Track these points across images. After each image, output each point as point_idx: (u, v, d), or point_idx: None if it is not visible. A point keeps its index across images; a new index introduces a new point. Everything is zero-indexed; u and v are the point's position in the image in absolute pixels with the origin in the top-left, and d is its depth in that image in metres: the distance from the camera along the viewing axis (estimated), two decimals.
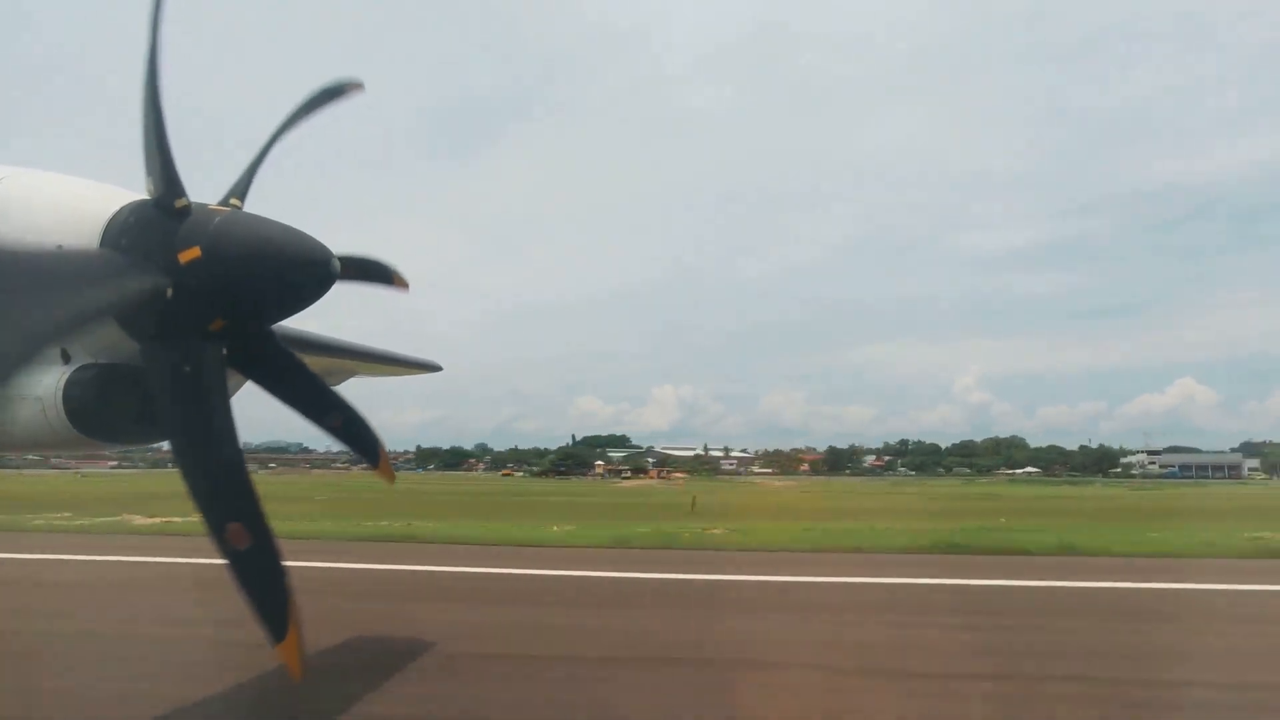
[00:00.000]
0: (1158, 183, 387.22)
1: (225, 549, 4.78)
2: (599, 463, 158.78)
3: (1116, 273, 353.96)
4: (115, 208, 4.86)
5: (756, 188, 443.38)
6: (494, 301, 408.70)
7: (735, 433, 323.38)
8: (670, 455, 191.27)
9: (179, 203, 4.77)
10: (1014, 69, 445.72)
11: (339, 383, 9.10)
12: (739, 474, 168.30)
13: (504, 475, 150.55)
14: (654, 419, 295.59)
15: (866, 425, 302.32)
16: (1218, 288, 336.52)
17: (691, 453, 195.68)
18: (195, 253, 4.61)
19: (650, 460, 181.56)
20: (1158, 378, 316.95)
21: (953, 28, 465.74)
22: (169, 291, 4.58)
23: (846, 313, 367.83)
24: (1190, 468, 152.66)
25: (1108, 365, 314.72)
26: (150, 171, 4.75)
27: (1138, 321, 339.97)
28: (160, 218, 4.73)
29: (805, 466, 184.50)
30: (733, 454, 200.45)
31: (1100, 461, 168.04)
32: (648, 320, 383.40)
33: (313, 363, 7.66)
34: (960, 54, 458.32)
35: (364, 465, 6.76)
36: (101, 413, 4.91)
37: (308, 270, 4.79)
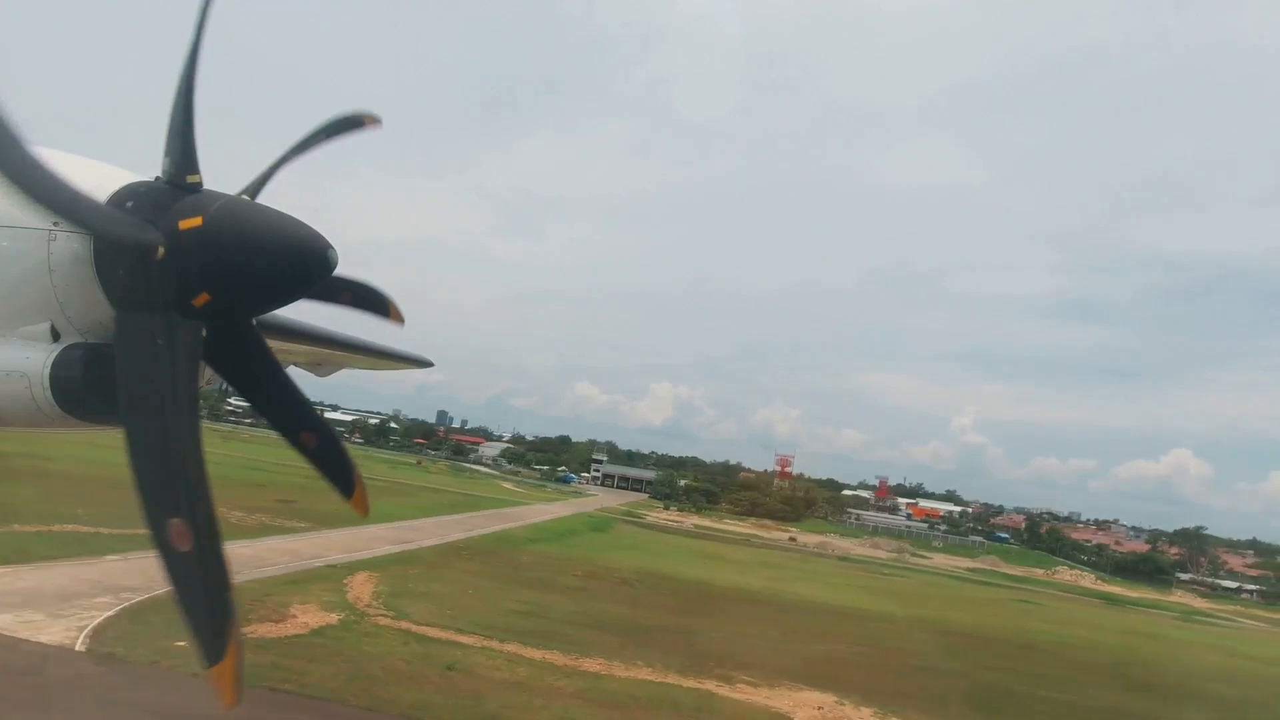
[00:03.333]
0: (1180, 251, 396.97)
1: (303, 450, 5.78)
2: None
3: (1129, 336, 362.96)
4: (116, 186, 4.83)
5: (779, 202, 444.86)
6: (508, 276, 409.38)
7: (726, 439, 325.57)
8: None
9: (191, 178, 4.84)
10: (1048, 118, 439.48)
11: (327, 374, 9.04)
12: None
13: None
14: (649, 414, 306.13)
15: (857, 450, 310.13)
16: (1228, 365, 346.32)
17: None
18: (196, 221, 4.59)
19: None
20: (1153, 445, 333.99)
21: (991, 69, 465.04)
22: (160, 250, 4.50)
23: (854, 338, 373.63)
24: (626, 479, 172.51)
25: (1106, 426, 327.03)
26: (169, 152, 4.81)
27: (1143, 387, 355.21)
28: (168, 191, 4.78)
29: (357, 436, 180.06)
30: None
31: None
32: (657, 317, 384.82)
33: (301, 352, 7.53)
34: (996, 96, 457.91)
35: (337, 493, 6.21)
36: (88, 394, 4.77)
37: (304, 256, 4.73)
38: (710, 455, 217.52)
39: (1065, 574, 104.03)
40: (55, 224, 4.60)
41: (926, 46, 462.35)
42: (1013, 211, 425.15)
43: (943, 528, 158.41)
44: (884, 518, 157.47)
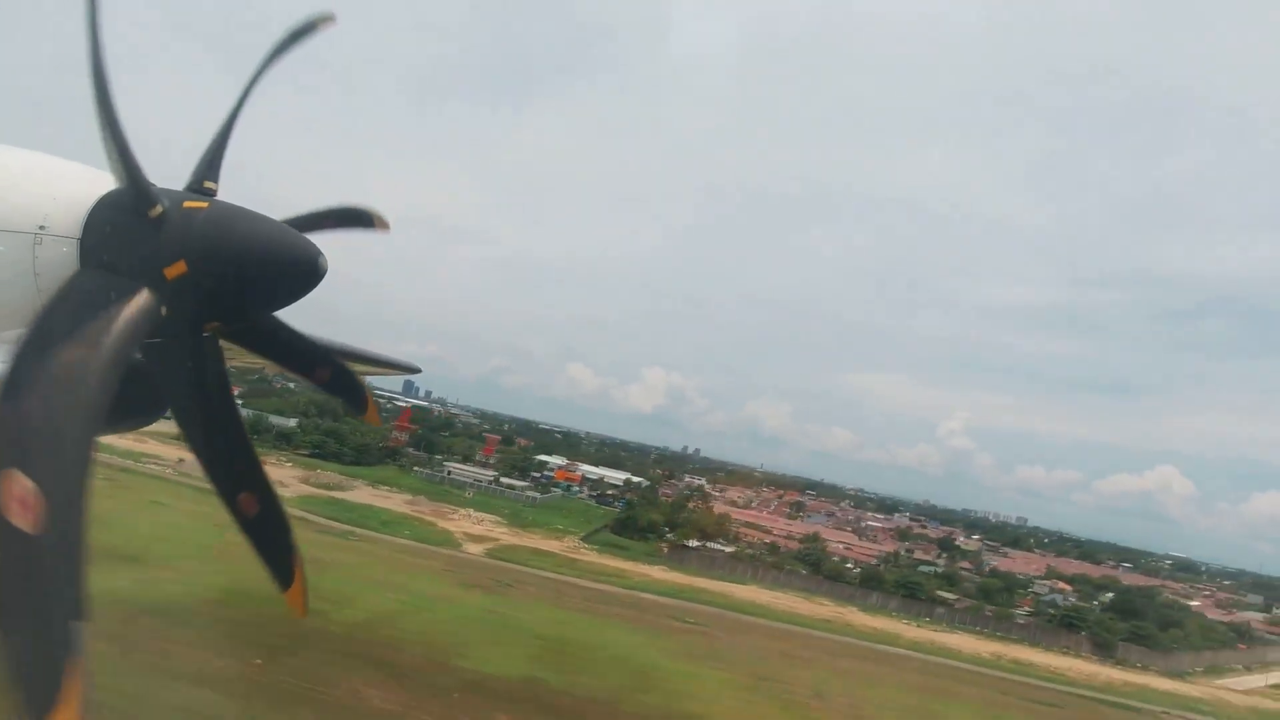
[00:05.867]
0: (1174, 270, 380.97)
1: (239, 516, 5.33)
2: None
3: (1120, 350, 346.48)
4: (99, 193, 4.83)
5: (783, 195, 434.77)
6: (505, 252, 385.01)
7: (716, 430, 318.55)
8: None
9: (208, 184, 5.16)
10: (1051, 132, 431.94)
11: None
12: None
13: None
14: (638, 400, 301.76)
15: (846, 450, 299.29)
16: (1218, 385, 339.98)
17: None
18: (181, 268, 4.61)
19: None
20: (1139, 460, 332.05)
21: (1000, 78, 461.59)
22: (158, 209, 4.63)
23: (849, 337, 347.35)
24: None
25: (1094, 439, 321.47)
26: (197, 169, 5.23)
27: (1132, 402, 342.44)
28: (139, 225, 4.79)
29: None
30: None
31: None
32: (655, 300, 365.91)
33: None
34: (1003, 106, 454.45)
35: (352, 412, 6.52)
36: None
37: (295, 257, 4.86)
38: (693, 444, 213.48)
39: (461, 516, 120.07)
40: (41, 228, 4.62)
41: (933, 53, 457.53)
42: (1011, 221, 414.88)
43: (575, 489, 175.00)
44: (475, 471, 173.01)
